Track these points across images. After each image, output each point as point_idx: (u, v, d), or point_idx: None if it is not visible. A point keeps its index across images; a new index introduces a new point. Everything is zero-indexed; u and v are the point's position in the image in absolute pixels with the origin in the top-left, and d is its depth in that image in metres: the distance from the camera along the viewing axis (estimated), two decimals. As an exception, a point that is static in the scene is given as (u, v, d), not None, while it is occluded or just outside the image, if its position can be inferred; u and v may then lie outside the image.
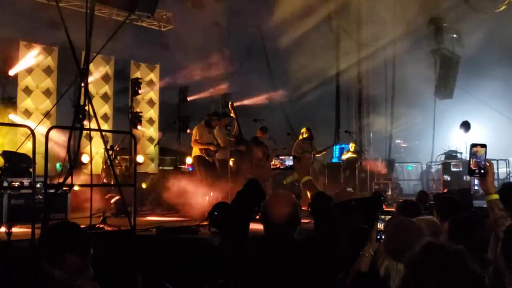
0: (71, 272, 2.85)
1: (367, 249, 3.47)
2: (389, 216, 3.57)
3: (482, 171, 3.25)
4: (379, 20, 16.83)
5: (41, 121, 8.55)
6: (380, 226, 3.53)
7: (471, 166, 3.26)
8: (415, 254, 2.18)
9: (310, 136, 12.23)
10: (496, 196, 3.27)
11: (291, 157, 3.50)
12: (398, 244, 3.20)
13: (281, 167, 3.51)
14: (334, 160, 17.00)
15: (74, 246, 2.90)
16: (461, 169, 14.76)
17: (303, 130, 12.28)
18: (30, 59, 12.86)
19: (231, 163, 11.47)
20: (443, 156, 16.18)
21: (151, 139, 15.64)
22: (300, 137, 12.30)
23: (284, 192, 3.56)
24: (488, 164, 3.24)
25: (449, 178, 14.91)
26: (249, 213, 3.38)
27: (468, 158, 3.28)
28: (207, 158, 10.49)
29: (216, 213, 7.35)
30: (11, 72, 12.65)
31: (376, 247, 3.45)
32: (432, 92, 18.04)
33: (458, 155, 15.80)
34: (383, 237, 3.47)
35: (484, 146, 3.24)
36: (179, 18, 15.83)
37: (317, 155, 12.93)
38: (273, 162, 3.50)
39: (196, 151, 10.58)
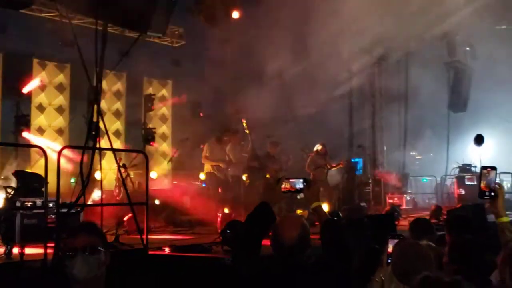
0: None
1: (378, 274, 3.43)
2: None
3: (493, 193, 3.23)
4: (391, 33, 16.75)
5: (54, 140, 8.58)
6: (390, 248, 3.49)
7: (482, 188, 3.24)
8: None
9: (325, 152, 12.15)
10: (506, 219, 3.25)
11: (301, 180, 3.45)
12: (405, 267, 3.20)
13: (291, 190, 3.46)
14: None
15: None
16: (475, 183, 14.53)
17: (319, 146, 12.16)
18: (43, 77, 12.99)
19: (244, 178, 11.44)
20: (457, 169, 16.01)
21: (164, 155, 15.68)
22: (315, 152, 12.20)
23: (294, 215, 3.54)
24: (498, 187, 3.22)
25: (463, 192, 14.72)
26: (259, 235, 3.36)
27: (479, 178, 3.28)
28: (218, 174, 10.47)
29: (228, 231, 7.29)
30: (25, 90, 12.77)
31: (387, 271, 3.41)
32: (446, 105, 17.92)
33: (473, 168, 15.63)
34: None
35: (494, 168, 3.24)
36: (191, 34, 15.88)
37: (333, 168, 12.89)
38: (283, 186, 3.45)
39: (208, 167, 10.57)
